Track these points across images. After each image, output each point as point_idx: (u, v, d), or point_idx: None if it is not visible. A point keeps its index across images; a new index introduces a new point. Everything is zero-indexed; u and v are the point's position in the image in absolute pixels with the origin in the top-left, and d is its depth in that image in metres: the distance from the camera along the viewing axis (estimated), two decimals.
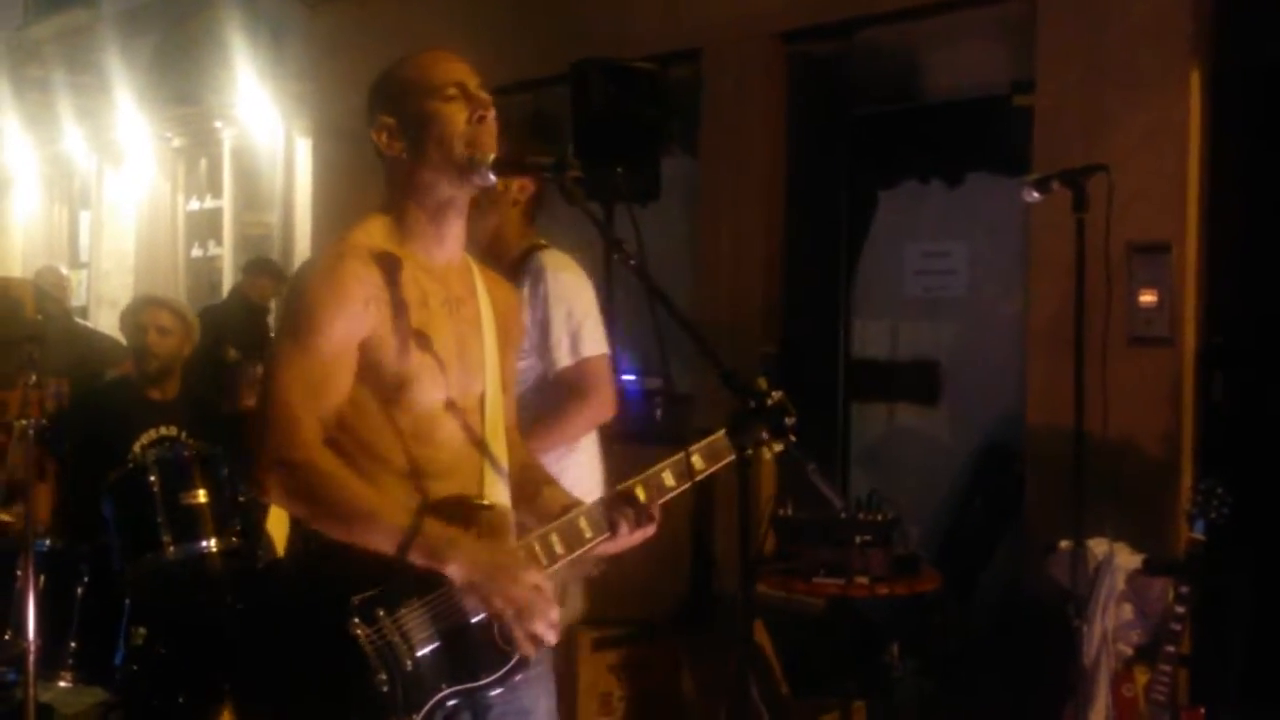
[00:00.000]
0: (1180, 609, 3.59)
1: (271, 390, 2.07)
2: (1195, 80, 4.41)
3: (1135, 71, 4.49)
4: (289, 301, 2.17)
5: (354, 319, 2.08)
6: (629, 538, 2.21)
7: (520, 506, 2.25)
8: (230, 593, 3.70)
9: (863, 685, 4.39)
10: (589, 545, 2.19)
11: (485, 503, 2.16)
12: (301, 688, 2.04)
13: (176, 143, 11.16)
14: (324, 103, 8.05)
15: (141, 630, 3.74)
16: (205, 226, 11.03)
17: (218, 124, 10.39)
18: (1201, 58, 4.41)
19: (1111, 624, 3.89)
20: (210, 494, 3.83)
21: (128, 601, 3.77)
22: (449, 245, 2.22)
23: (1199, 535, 3.60)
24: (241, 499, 3.86)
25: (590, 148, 4.94)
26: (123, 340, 4.72)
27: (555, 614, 2.06)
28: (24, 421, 3.63)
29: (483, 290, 2.28)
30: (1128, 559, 3.96)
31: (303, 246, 9.08)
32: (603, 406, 3.19)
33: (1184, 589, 3.60)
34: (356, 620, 2.01)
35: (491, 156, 2.12)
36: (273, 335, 2.18)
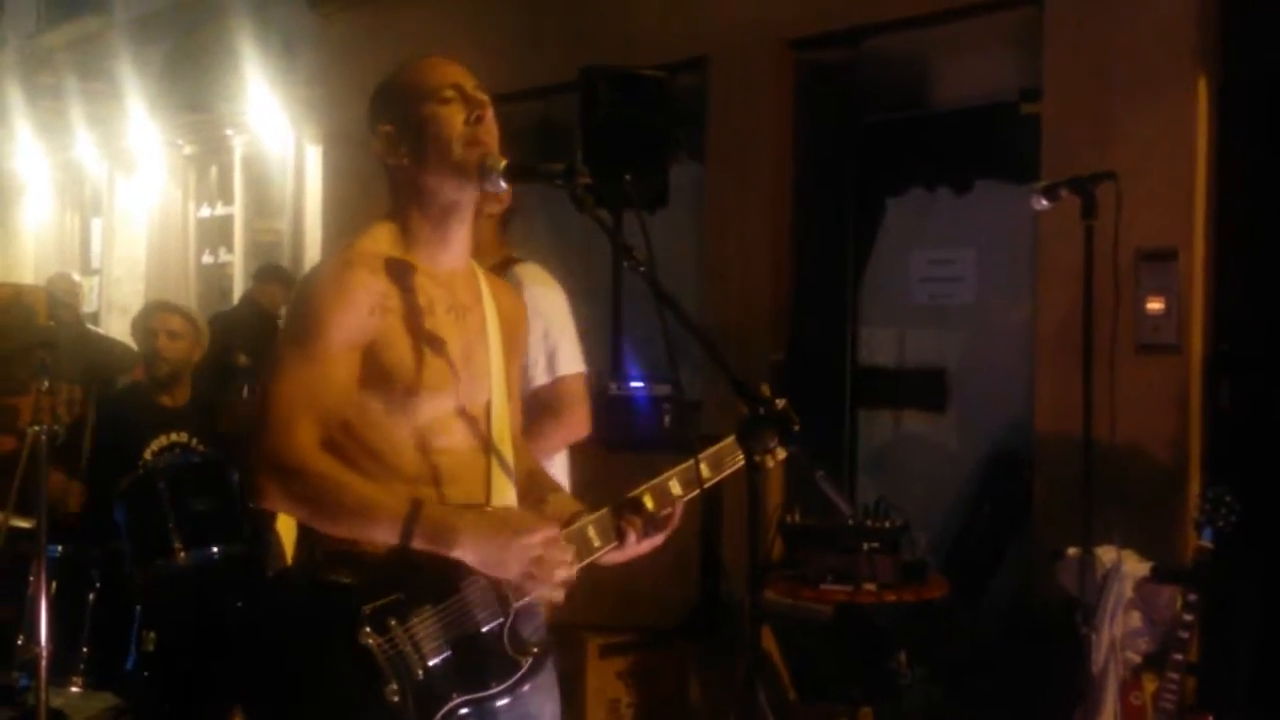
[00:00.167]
0: (1188, 616, 3.59)
1: (270, 395, 2.07)
2: (1202, 88, 4.41)
3: (1142, 79, 4.50)
4: (293, 308, 2.18)
5: (357, 326, 2.08)
6: (637, 547, 2.22)
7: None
8: (241, 599, 3.72)
9: (870, 692, 4.39)
10: (597, 554, 2.19)
11: (492, 509, 2.16)
12: (312, 697, 2.03)
13: (188, 150, 11.20)
14: (334, 110, 8.08)
15: (152, 636, 3.76)
16: (216, 233, 11.07)
17: (229, 131, 10.43)
18: (1208, 66, 4.41)
19: (1120, 631, 3.89)
20: (220, 500, 3.85)
21: (139, 607, 3.79)
22: (454, 251, 2.22)
23: (1207, 543, 3.60)
24: (250, 504, 3.87)
25: (598, 155, 4.96)
26: (134, 346, 4.74)
27: (572, 558, 2.09)
28: (37, 427, 3.65)
29: (488, 296, 2.28)
30: (1136, 566, 3.96)
31: (313, 253, 9.11)
32: (577, 425, 3.19)
33: (1192, 596, 3.60)
34: (368, 629, 2.01)
35: (503, 163, 2.12)
36: (278, 341, 2.19)
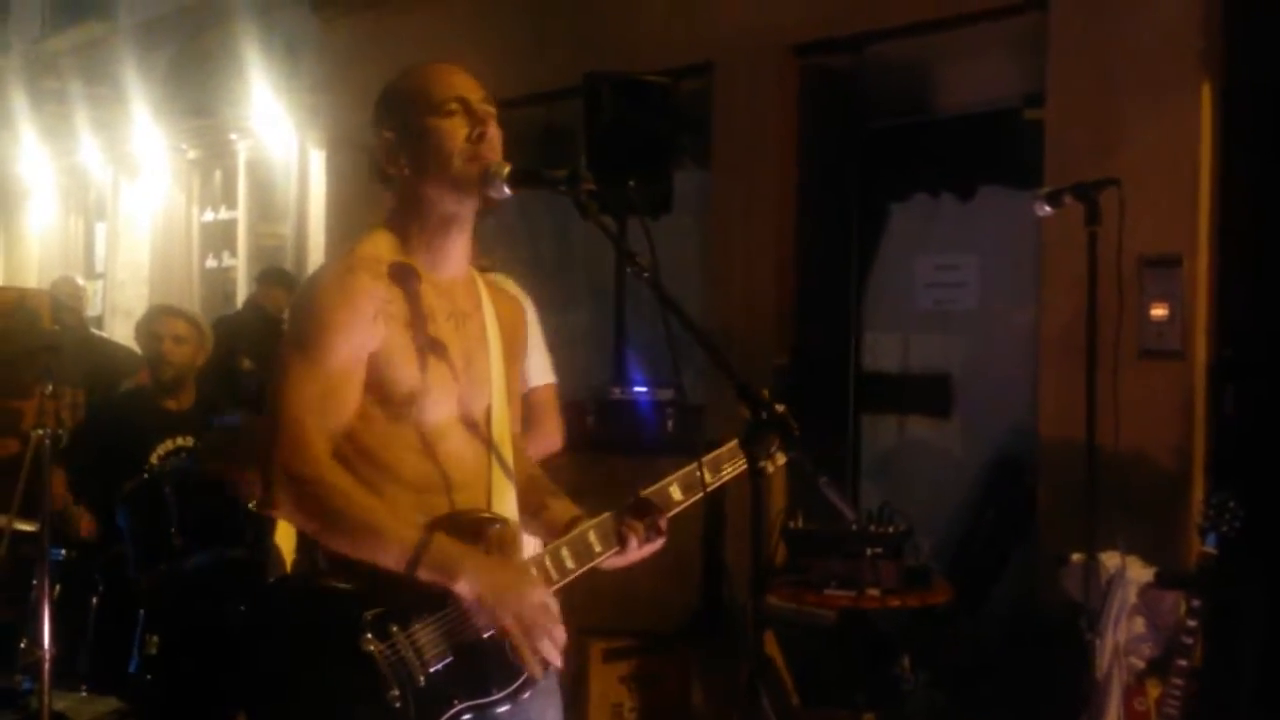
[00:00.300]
0: (1192, 622, 3.59)
1: (280, 404, 2.06)
2: (1206, 94, 4.41)
3: (1146, 85, 4.50)
4: (296, 315, 2.16)
5: (363, 333, 2.08)
6: (638, 552, 2.22)
7: (526, 518, 2.26)
8: (243, 603, 3.72)
9: (873, 697, 4.39)
10: (599, 559, 2.20)
11: (493, 516, 2.17)
12: (314, 703, 2.03)
13: (192, 154, 11.22)
14: (338, 115, 8.09)
15: (155, 639, 3.76)
16: (220, 238, 11.08)
17: (233, 136, 10.44)
18: (1212, 72, 4.41)
19: (1123, 637, 3.89)
20: (224, 504, 3.85)
21: (142, 611, 3.79)
22: (454, 259, 2.22)
23: (1211, 548, 3.59)
24: (252, 507, 3.88)
25: (602, 160, 4.97)
26: (138, 351, 4.75)
27: (562, 633, 2.07)
28: (40, 431, 3.66)
29: (488, 303, 2.28)
30: (1140, 572, 3.96)
31: (316, 257, 9.11)
32: (548, 438, 3.18)
33: (1196, 602, 3.60)
34: (370, 635, 2.01)
35: (507, 169, 2.11)
36: (281, 347, 2.18)
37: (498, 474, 2.21)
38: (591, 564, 2.19)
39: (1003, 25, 5.16)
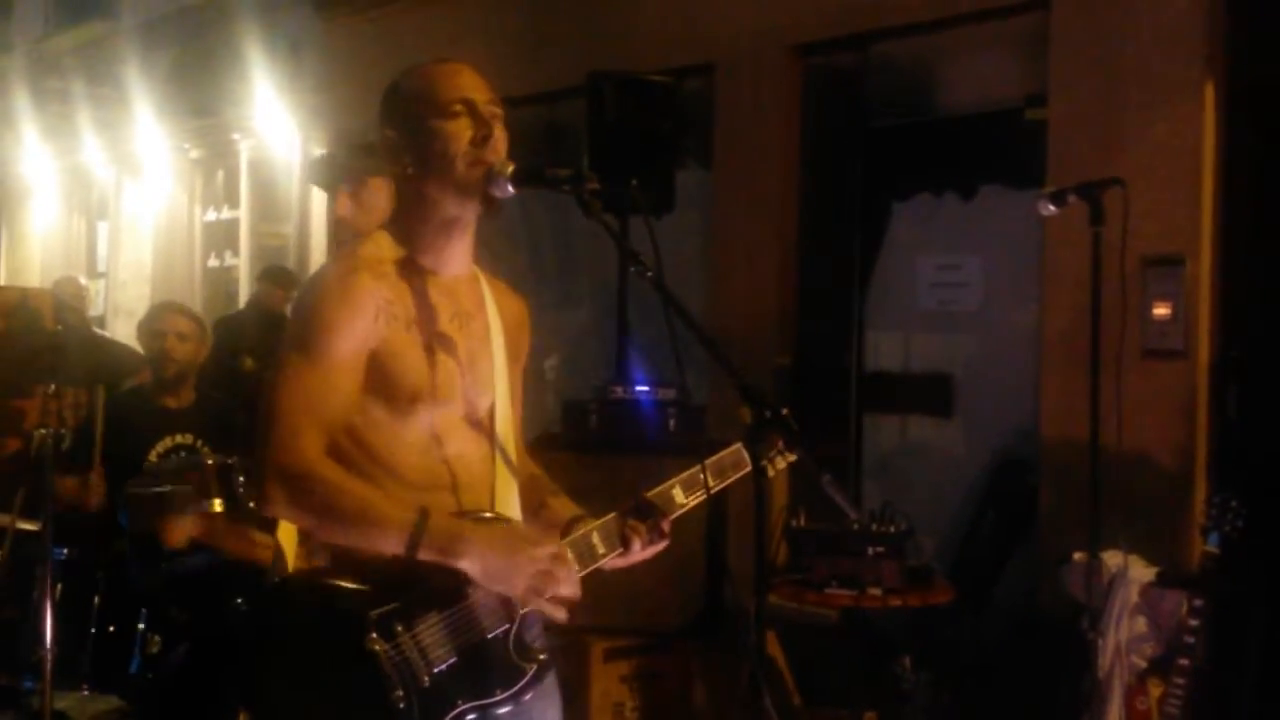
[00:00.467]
0: (1194, 622, 3.59)
1: (276, 402, 2.06)
2: (1209, 94, 4.41)
3: (1149, 86, 4.50)
4: (298, 313, 2.16)
5: (363, 332, 2.07)
6: (641, 554, 2.22)
7: (526, 517, 2.26)
8: (246, 603, 3.73)
9: (875, 697, 4.39)
10: (602, 560, 2.20)
11: (496, 516, 2.17)
12: (318, 702, 2.03)
13: (194, 154, 11.23)
14: (340, 115, 8.10)
15: (157, 639, 3.76)
16: (222, 237, 11.09)
17: (235, 136, 10.45)
18: (1215, 72, 4.41)
19: (1125, 636, 3.89)
20: (225, 503, 3.85)
21: (143, 610, 3.79)
22: (458, 258, 2.22)
23: (1213, 548, 3.60)
24: (259, 512, 3.88)
25: (604, 160, 4.97)
26: (139, 350, 4.75)
27: (577, 575, 2.09)
28: (43, 430, 3.66)
29: (491, 302, 2.28)
30: (1142, 572, 3.96)
31: (318, 257, 9.12)
32: None
33: (1198, 602, 3.60)
34: (375, 635, 2.00)
35: (511, 169, 2.11)
36: (282, 346, 2.18)
37: (501, 474, 2.21)
38: (594, 565, 2.19)
39: (1005, 25, 5.16)
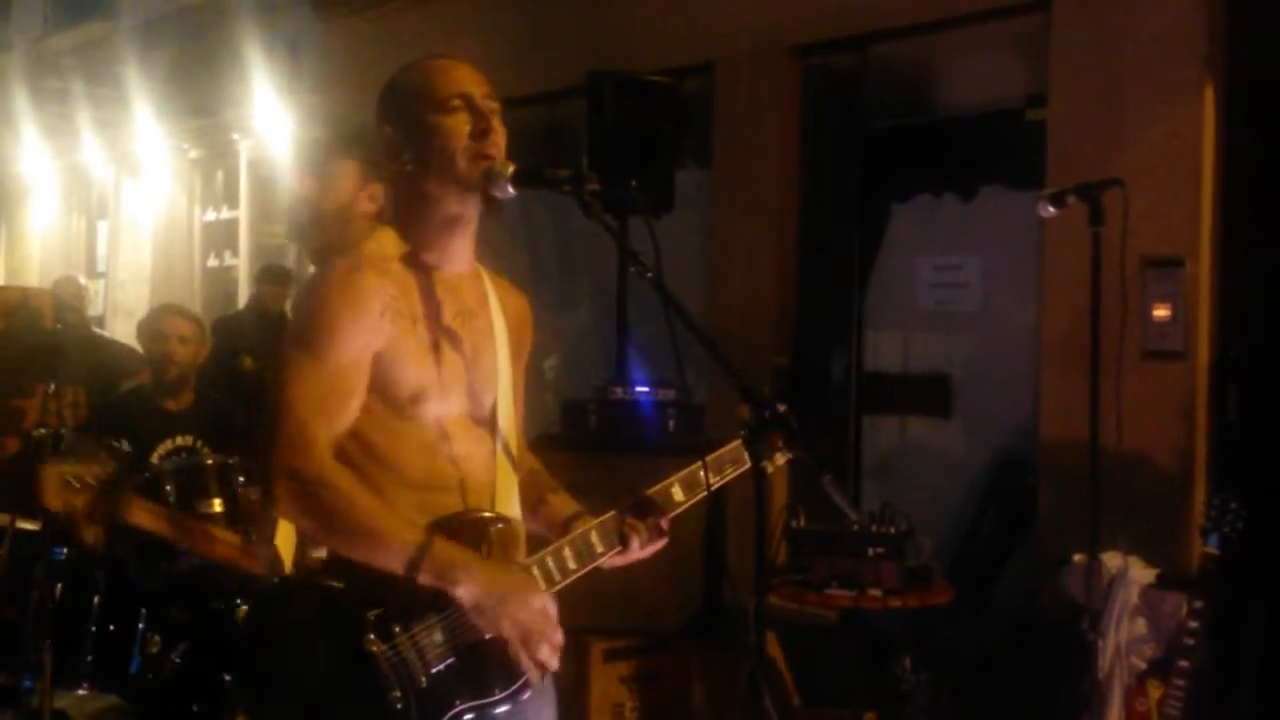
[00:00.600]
0: (1194, 623, 3.59)
1: (283, 402, 2.04)
2: (1209, 95, 4.41)
3: (1149, 86, 4.50)
4: (301, 312, 2.15)
5: (368, 331, 2.07)
6: (640, 552, 2.22)
7: (525, 513, 2.25)
8: (245, 603, 3.72)
9: (874, 697, 4.39)
10: (600, 559, 2.20)
11: (496, 516, 2.17)
12: (316, 703, 2.02)
13: (193, 154, 11.22)
14: (340, 115, 8.09)
15: (156, 639, 3.76)
16: (221, 237, 11.09)
17: (234, 136, 10.45)
18: (1215, 73, 4.41)
19: (1125, 638, 3.89)
20: (225, 503, 3.85)
21: (143, 610, 3.79)
22: (460, 255, 2.21)
23: (1213, 549, 3.59)
24: (267, 512, 3.87)
25: (604, 160, 4.97)
26: (139, 350, 4.74)
27: (559, 638, 2.07)
28: (42, 430, 3.66)
29: (494, 300, 2.27)
30: (1141, 573, 3.96)
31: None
32: None
33: (1197, 603, 3.60)
34: (372, 636, 2.00)
35: (511, 169, 2.11)
36: (284, 344, 2.17)
37: (503, 472, 2.20)
38: (593, 564, 2.19)
39: (1005, 25, 5.16)
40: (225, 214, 11.03)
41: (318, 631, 2.04)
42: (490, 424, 2.21)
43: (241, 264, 10.66)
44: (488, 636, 2.06)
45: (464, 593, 2.00)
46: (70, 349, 4.38)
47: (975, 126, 5.41)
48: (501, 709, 2.09)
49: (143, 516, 3.64)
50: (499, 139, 2.14)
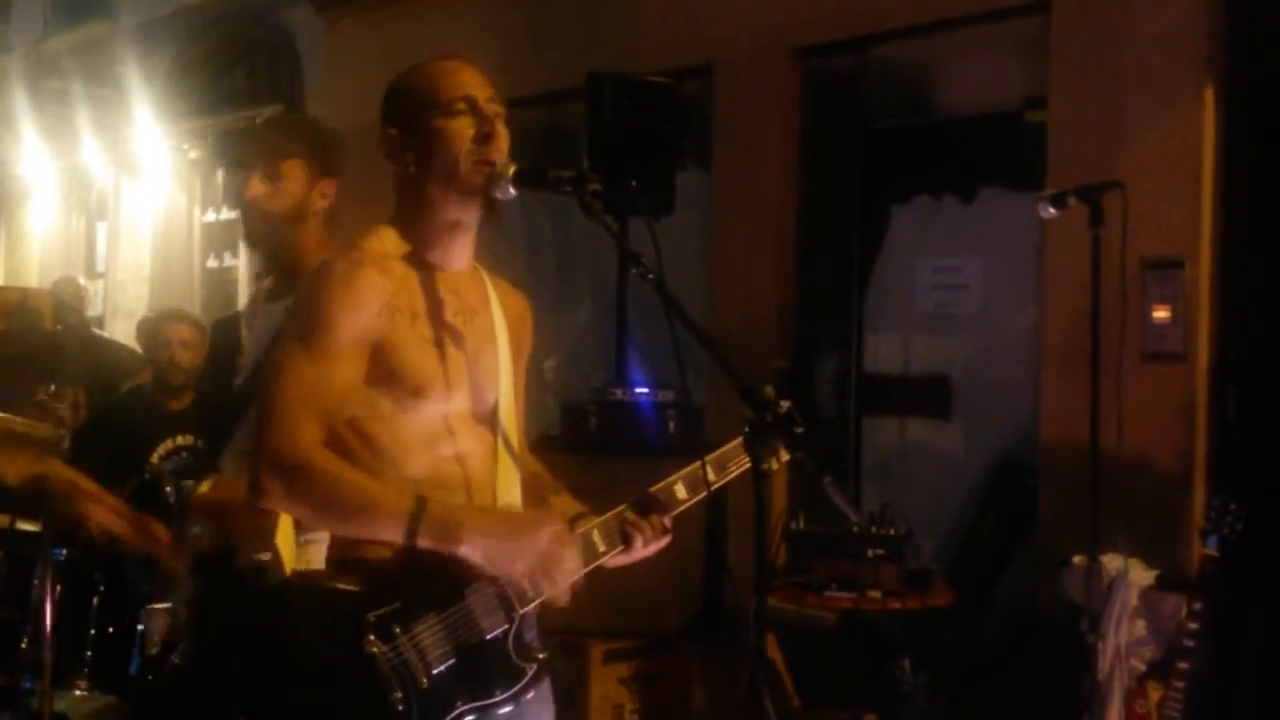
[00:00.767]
0: (1193, 625, 3.59)
1: (274, 391, 2.05)
2: (1209, 96, 4.41)
3: (1149, 88, 4.50)
4: (300, 304, 2.15)
5: (365, 325, 2.07)
6: (643, 550, 2.22)
7: None
8: (245, 604, 3.72)
9: (874, 699, 4.38)
10: (603, 558, 2.20)
11: (499, 508, 2.17)
12: (317, 705, 2.03)
13: (193, 154, 11.22)
14: (340, 115, 8.08)
15: (157, 639, 3.76)
16: (221, 238, 11.08)
17: None
18: (1215, 74, 4.41)
19: (1125, 640, 3.89)
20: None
21: (143, 611, 3.79)
22: (460, 255, 2.22)
23: (1212, 551, 3.60)
24: (253, 504, 3.87)
25: (604, 161, 4.97)
26: (139, 351, 4.75)
27: (578, 557, 2.09)
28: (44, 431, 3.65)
29: (495, 299, 2.28)
30: (1141, 575, 3.96)
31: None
32: None
33: (1197, 605, 3.60)
34: (372, 638, 2.00)
35: (513, 169, 2.11)
36: (281, 337, 2.17)
37: (504, 469, 2.21)
38: (595, 563, 2.19)
39: (1005, 27, 5.16)
40: (225, 215, 11.02)
41: (318, 633, 2.04)
42: (492, 422, 2.21)
43: (241, 265, 10.64)
44: (489, 636, 2.06)
45: (469, 548, 2.00)
46: (70, 349, 4.38)
47: (975, 128, 5.41)
48: (504, 710, 2.09)
49: (58, 477, 3.53)
50: (502, 143, 2.15)
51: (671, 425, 4.58)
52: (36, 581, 3.57)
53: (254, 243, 2.82)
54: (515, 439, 2.26)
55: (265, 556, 2.53)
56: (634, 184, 4.89)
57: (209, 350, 4.61)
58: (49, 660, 3.49)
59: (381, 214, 2.25)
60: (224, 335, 5.36)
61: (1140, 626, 3.90)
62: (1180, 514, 4.28)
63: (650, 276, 2.04)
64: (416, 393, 2.11)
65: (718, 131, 5.96)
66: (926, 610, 4.22)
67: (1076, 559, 3.94)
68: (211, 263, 11.20)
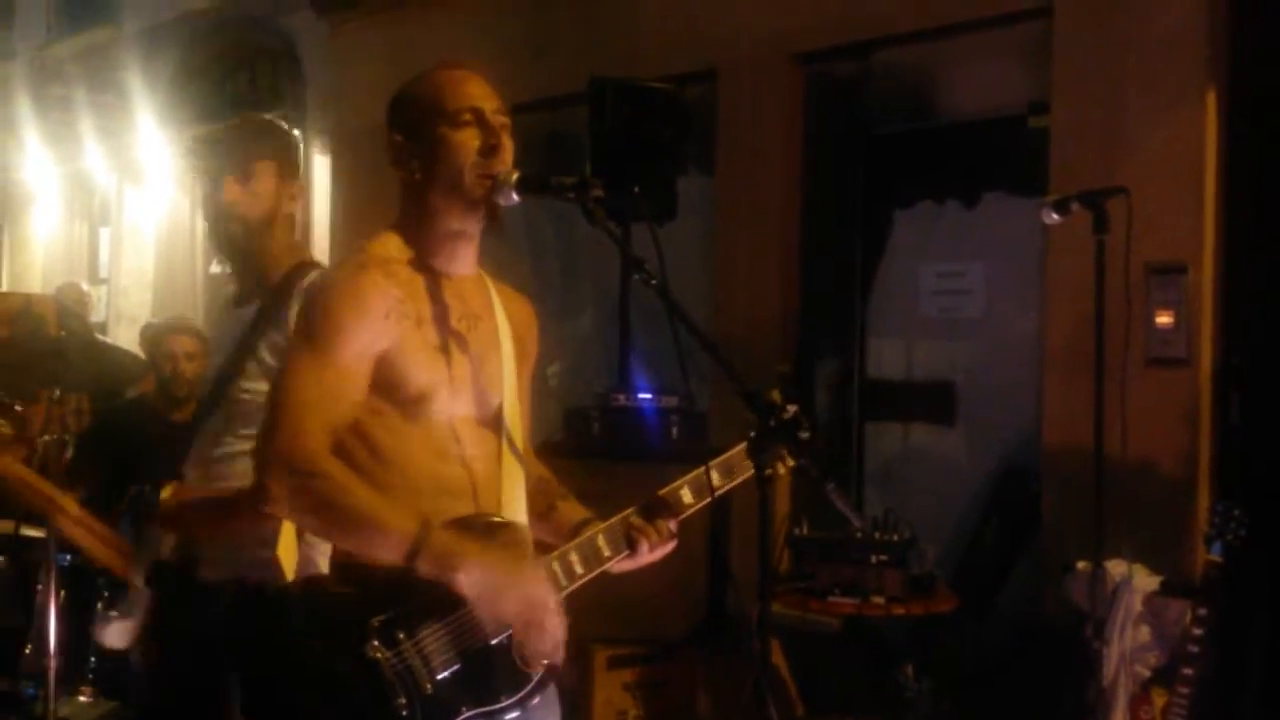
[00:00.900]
0: (1198, 631, 3.58)
1: (281, 397, 2.05)
2: (1212, 102, 4.41)
3: (1152, 93, 4.50)
4: (308, 309, 2.15)
5: (372, 331, 2.07)
6: (648, 555, 2.22)
7: (533, 520, 2.25)
8: (249, 611, 3.71)
9: (878, 705, 4.38)
10: (608, 563, 2.19)
11: (503, 520, 2.16)
12: (320, 711, 2.02)
13: None
14: (343, 121, 8.10)
15: (158, 645, 3.75)
16: None
17: None
18: (1219, 79, 4.41)
19: (1129, 646, 3.88)
20: None
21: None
22: (464, 262, 2.22)
23: (1216, 557, 3.59)
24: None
25: (606, 167, 4.97)
26: (142, 357, 4.75)
27: (563, 631, 2.06)
28: (48, 437, 3.66)
29: (499, 305, 2.28)
30: (1145, 580, 3.95)
31: (321, 263, 9.10)
32: None
33: (1201, 611, 3.59)
34: (376, 643, 1.99)
35: (515, 176, 2.11)
36: (288, 343, 2.17)
37: (509, 476, 2.20)
38: (601, 568, 2.18)
39: (1007, 32, 5.16)
40: None
41: (321, 639, 2.03)
42: (497, 427, 2.21)
43: None
44: (494, 642, 2.06)
45: (464, 580, 1.99)
46: (73, 355, 4.39)
47: (978, 133, 5.41)
48: (510, 715, 2.09)
49: (14, 476, 3.48)
50: (507, 155, 2.15)
51: (675, 431, 4.58)
52: (40, 588, 3.57)
53: (225, 247, 2.78)
54: (521, 444, 2.25)
55: (265, 554, 2.53)
56: (636, 189, 4.92)
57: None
58: (53, 666, 3.49)
59: (387, 218, 2.26)
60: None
61: (1144, 632, 3.89)
62: (1184, 519, 4.28)
63: (653, 282, 2.04)
64: (421, 398, 2.11)
65: (720, 136, 5.96)
66: (930, 616, 4.22)
67: (1080, 564, 3.93)
68: (214, 268, 11.18)
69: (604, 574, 2.21)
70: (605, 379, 5.33)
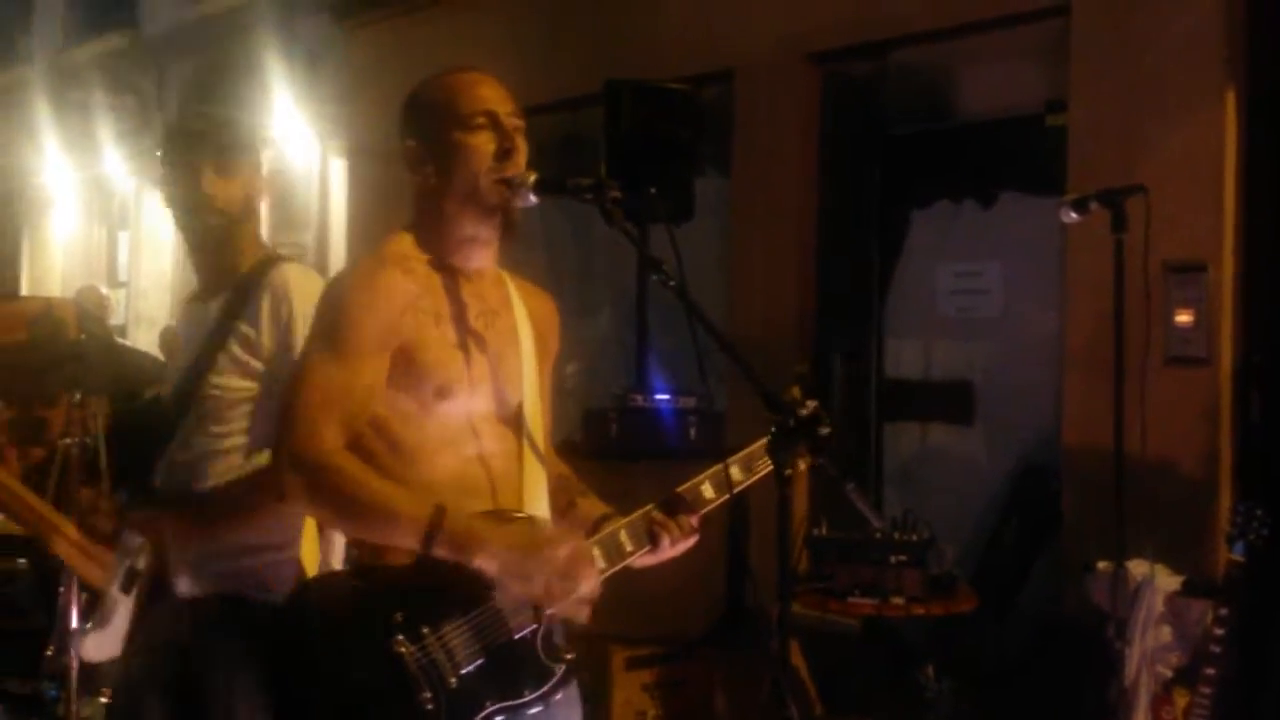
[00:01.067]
0: (1220, 631, 3.56)
1: (297, 393, 2.07)
2: (1230, 100, 4.39)
3: (1170, 92, 4.48)
4: (324, 306, 2.16)
5: (389, 327, 2.08)
6: (670, 550, 2.21)
7: (555, 518, 2.25)
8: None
9: (898, 706, 4.37)
10: (630, 558, 2.19)
11: (525, 516, 2.17)
12: (345, 705, 2.03)
13: None
14: (359, 124, 8.13)
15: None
16: None
17: None
18: (1237, 78, 4.39)
19: (1151, 646, 3.86)
20: None
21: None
22: (481, 259, 2.22)
23: (1238, 556, 3.57)
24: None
25: (623, 167, 4.98)
26: (161, 358, 4.77)
27: (598, 572, 2.08)
28: (68, 440, 3.68)
29: (518, 302, 2.29)
30: (1167, 580, 3.94)
31: (338, 266, 9.14)
32: None
33: (1223, 611, 3.57)
34: (400, 638, 2.00)
35: (533, 178, 2.12)
36: (306, 339, 2.17)
37: (530, 471, 2.21)
38: (623, 563, 2.18)
39: (1025, 31, 5.15)
40: None
41: (345, 633, 2.04)
42: (516, 424, 2.22)
43: None
44: (518, 636, 2.06)
45: (485, 561, 2.00)
46: (93, 358, 4.40)
47: (995, 132, 5.39)
48: (534, 710, 2.09)
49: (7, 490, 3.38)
50: (521, 158, 2.15)
51: (692, 431, 4.58)
52: (62, 590, 3.59)
53: (200, 240, 2.77)
54: (540, 441, 2.25)
55: (246, 563, 2.51)
56: (653, 190, 4.92)
57: None
58: (75, 668, 3.50)
59: (404, 221, 2.26)
60: None
61: (1166, 632, 3.88)
62: (1205, 519, 4.26)
63: (670, 283, 2.04)
64: (440, 394, 2.11)
65: (737, 137, 5.96)
66: (950, 616, 4.21)
67: (1101, 564, 3.92)
68: None
69: (623, 571, 2.21)
70: (623, 379, 5.33)
